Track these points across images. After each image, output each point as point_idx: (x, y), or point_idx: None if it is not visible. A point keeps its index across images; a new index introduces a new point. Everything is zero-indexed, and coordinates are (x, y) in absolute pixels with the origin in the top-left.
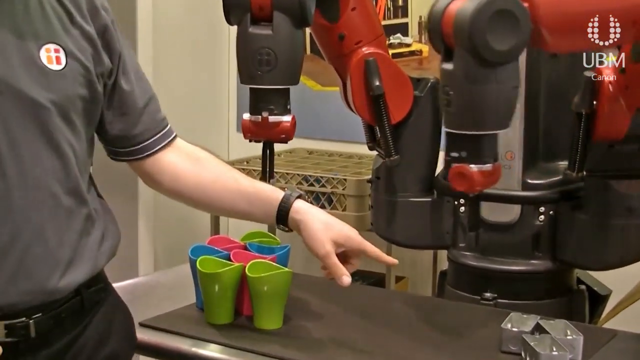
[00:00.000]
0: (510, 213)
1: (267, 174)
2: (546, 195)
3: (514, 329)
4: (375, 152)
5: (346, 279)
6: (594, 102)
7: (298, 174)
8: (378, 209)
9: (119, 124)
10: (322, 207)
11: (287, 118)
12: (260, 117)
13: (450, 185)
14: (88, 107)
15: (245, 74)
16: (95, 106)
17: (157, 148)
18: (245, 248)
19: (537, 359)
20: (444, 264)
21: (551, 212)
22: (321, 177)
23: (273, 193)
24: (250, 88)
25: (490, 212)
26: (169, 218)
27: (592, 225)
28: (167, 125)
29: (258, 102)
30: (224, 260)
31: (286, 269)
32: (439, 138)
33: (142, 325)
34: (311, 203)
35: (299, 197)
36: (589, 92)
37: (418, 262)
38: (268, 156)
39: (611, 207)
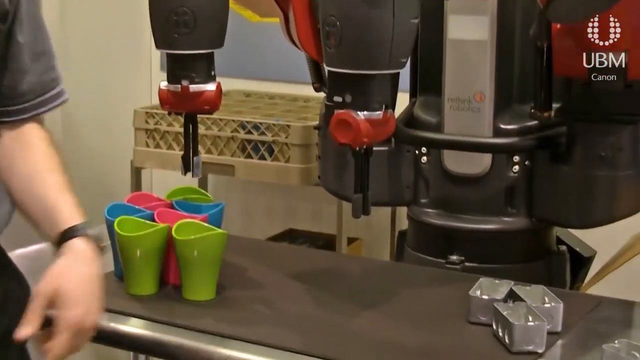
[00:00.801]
0: (479, 163)
1: (190, 150)
2: (521, 143)
3: (484, 297)
4: (322, 94)
5: (23, 330)
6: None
7: (233, 120)
8: (326, 159)
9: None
10: (262, 158)
11: (211, 87)
12: (179, 86)
13: (332, 137)
14: None
15: (160, 37)
16: None
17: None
18: (171, 206)
19: (511, 330)
20: (403, 224)
21: (526, 162)
22: (260, 123)
23: (66, 219)
24: (167, 53)
25: (456, 162)
26: (80, 172)
27: (574, 177)
28: (54, 88)
29: (176, 69)
30: (147, 221)
31: (220, 230)
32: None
33: None
34: (232, 165)
35: (86, 236)
36: (544, 22)
37: (373, 222)
38: (191, 130)
39: (594, 156)
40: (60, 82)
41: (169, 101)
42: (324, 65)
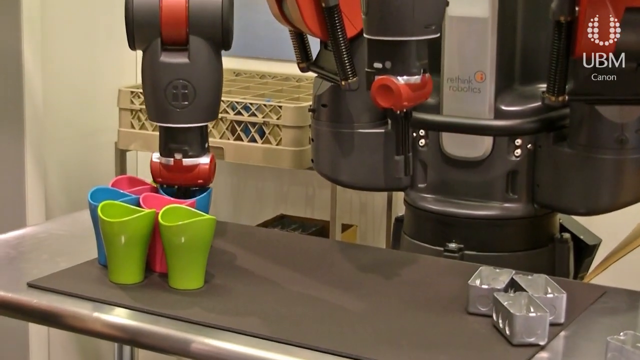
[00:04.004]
0: (479, 147)
1: None
2: (523, 125)
3: (484, 286)
4: (314, 74)
5: None
6: (575, 8)
7: (223, 101)
8: (320, 142)
9: None
10: (253, 140)
11: (204, 160)
12: (172, 159)
13: (374, 101)
14: None
15: (155, 110)
16: None
17: None
18: (157, 191)
19: (511, 321)
20: (399, 209)
21: (529, 146)
22: (251, 103)
23: None
24: (161, 126)
25: (456, 145)
26: (62, 154)
27: (578, 161)
28: None
29: (170, 141)
30: (132, 206)
31: (208, 216)
32: None
33: (30, 286)
34: (220, 147)
35: None
36: None
37: (369, 207)
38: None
39: (601, 138)
40: None
41: (161, 174)
42: (364, 33)
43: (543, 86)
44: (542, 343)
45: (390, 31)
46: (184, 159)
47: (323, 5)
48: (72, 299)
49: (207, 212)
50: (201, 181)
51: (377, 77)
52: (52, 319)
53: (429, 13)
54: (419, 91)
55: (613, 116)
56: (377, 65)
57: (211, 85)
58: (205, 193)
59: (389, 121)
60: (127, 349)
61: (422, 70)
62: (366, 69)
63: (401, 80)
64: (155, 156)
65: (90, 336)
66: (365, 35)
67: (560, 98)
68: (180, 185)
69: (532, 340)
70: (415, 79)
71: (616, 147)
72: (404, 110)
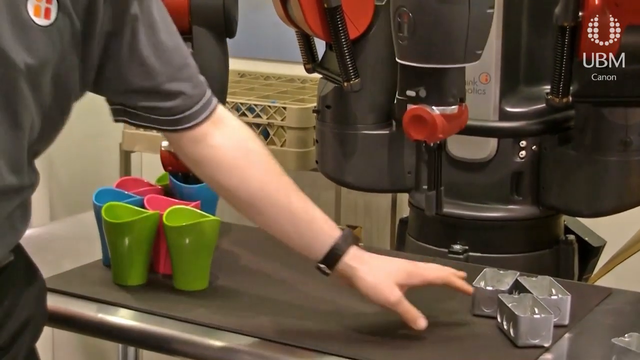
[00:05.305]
0: (484, 148)
1: None
2: (528, 127)
3: (489, 288)
4: (319, 75)
5: (422, 321)
6: (579, 14)
7: (227, 102)
8: (325, 143)
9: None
10: None
11: None
12: None
13: (406, 133)
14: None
15: None
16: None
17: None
18: (162, 191)
19: (516, 323)
20: (404, 211)
21: (534, 147)
22: (255, 105)
23: (328, 228)
24: None
25: (461, 147)
26: (67, 156)
27: (583, 163)
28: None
29: None
30: (137, 207)
31: (212, 217)
32: None
33: None
34: None
35: (354, 241)
36: (573, 0)
37: (373, 209)
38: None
39: (605, 140)
40: None
41: (171, 162)
42: (397, 59)
43: (548, 88)
44: (546, 345)
45: (437, 58)
46: None
47: (325, 6)
48: (76, 300)
49: (213, 213)
50: None
51: (409, 107)
52: (56, 319)
53: (480, 38)
54: (455, 121)
55: (617, 118)
56: (410, 93)
57: (216, 75)
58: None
59: (394, 122)
60: (131, 349)
61: (459, 100)
62: (397, 96)
63: (436, 110)
64: (165, 145)
65: (95, 337)
66: (399, 60)
67: (564, 99)
68: (190, 174)
69: (536, 342)
70: (452, 109)
71: (621, 148)
72: (437, 142)
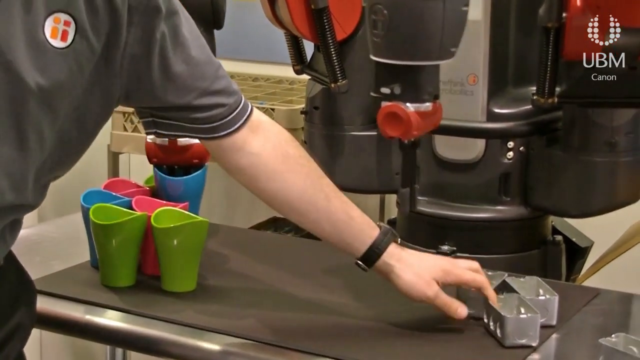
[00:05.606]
0: (472, 149)
1: None
2: (516, 128)
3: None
4: (308, 76)
5: (463, 309)
6: (563, 15)
7: None
8: (313, 145)
9: None
10: None
11: None
12: (167, 140)
13: (381, 130)
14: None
15: None
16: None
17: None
18: (150, 192)
19: (502, 323)
20: (392, 212)
21: (522, 148)
22: None
23: (367, 228)
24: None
25: (448, 148)
26: None
27: (571, 163)
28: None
29: None
30: (124, 209)
31: (200, 218)
32: None
33: None
34: None
35: (392, 237)
36: (556, 2)
37: (361, 209)
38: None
39: (592, 141)
40: None
41: (156, 155)
42: (371, 55)
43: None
44: (534, 344)
45: (412, 54)
46: (179, 139)
47: (312, 7)
48: (64, 301)
49: (201, 191)
50: (197, 160)
51: (384, 104)
52: (44, 321)
53: (455, 35)
54: (429, 118)
55: (603, 119)
56: (385, 90)
57: None
58: (199, 171)
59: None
60: (119, 351)
61: (434, 97)
62: (372, 93)
63: (411, 107)
64: (150, 137)
65: (83, 339)
66: (374, 57)
67: (550, 100)
68: (176, 166)
69: (523, 341)
70: (426, 106)
71: (607, 149)
72: (412, 139)
